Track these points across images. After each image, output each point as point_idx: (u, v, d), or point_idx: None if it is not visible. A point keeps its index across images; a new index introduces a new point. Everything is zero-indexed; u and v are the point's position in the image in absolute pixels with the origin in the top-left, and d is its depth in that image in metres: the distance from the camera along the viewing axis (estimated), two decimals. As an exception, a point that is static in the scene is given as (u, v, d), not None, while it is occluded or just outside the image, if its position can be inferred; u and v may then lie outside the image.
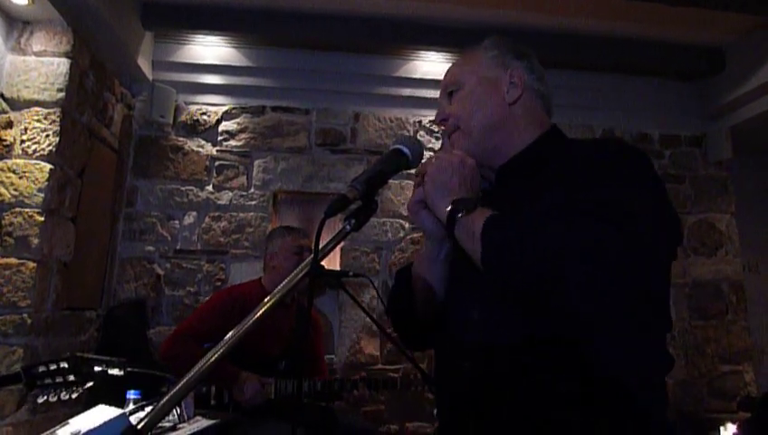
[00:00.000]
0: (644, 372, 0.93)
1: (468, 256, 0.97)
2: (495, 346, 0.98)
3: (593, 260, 0.80)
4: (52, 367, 1.54)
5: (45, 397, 1.55)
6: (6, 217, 2.57)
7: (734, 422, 3.52)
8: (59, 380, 1.55)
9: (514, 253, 0.87)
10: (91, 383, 1.59)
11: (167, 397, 0.67)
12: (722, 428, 3.52)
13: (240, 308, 2.53)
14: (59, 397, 1.55)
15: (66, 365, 1.55)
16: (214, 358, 0.72)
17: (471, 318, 1.03)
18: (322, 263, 0.90)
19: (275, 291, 0.81)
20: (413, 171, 1.10)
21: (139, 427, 0.62)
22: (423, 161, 1.09)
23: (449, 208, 0.98)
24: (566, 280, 0.81)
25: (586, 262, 0.80)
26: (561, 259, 0.82)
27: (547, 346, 0.90)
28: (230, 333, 0.76)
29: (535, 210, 0.93)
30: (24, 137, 2.65)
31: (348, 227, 0.94)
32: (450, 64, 1.27)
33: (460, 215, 0.96)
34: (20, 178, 2.61)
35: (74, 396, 1.58)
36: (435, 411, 1.21)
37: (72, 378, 1.55)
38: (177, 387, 0.68)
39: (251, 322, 0.77)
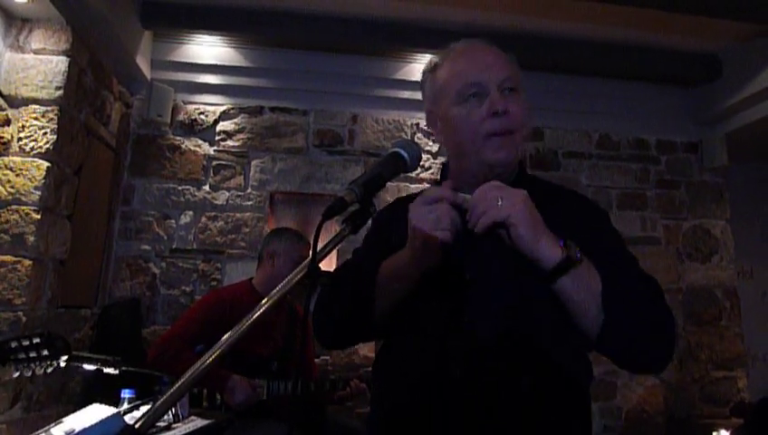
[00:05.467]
0: (588, 375, 1.13)
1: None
2: (491, 352, 1.02)
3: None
4: (25, 342, 1.54)
5: (19, 372, 1.54)
6: (3, 215, 2.56)
7: (726, 429, 3.53)
8: (33, 354, 1.54)
9: (633, 326, 1.01)
10: (65, 357, 1.58)
11: (163, 398, 0.68)
12: (714, 434, 3.53)
13: (229, 309, 2.52)
14: (33, 372, 1.55)
15: (39, 340, 1.55)
16: (210, 359, 0.73)
17: (459, 324, 1.05)
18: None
19: (273, 293, 0.81)
20: (410, 174, 1.11)
21: (137, 426, 0.63)
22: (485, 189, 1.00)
23: (564, 255, 0.96)
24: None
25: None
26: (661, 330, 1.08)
27: (534, 355, 1.03)
28: (227, 335, 0.77)
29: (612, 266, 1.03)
30: (22, 134, 2.64)
31: (345, 229, 0.95)
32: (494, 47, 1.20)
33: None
34: (17, 175, 2.61)
35: (49, 371, 1.57)
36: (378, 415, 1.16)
37: (45, 353, 1.55)
38: (175, 388, 0.68)
39: (249, 323, 0.77)
